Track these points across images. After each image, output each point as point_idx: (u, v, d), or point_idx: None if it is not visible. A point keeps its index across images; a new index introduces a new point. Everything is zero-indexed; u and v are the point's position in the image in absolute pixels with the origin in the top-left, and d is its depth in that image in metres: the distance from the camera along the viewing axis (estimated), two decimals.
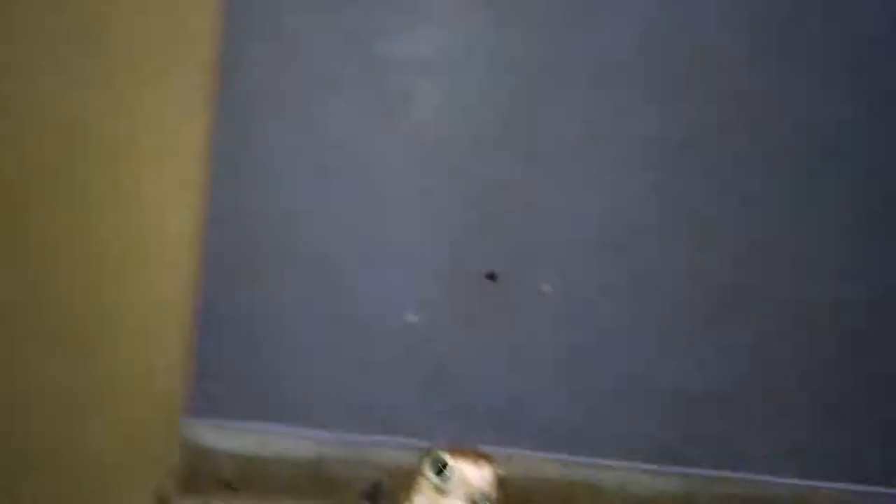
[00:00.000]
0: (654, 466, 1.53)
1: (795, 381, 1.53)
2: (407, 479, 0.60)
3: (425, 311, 1.43)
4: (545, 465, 1.50)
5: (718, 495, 1.54)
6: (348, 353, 1.39)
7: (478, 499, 0.59)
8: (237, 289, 1.39)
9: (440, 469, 0.62)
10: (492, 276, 1.43)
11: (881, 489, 1.57)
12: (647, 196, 1.46)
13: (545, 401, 1.47)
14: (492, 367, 1.47)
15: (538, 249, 1.43)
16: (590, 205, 1.45)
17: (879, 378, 1.54)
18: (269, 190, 1.40)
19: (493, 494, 0.60)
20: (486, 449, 1.49)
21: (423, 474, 0.61)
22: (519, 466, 1.50)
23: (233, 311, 1.40)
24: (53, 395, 1.06)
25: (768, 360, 1.52)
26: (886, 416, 1.56)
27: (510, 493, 0.61)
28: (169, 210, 1.13)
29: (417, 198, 1.43)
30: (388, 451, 1.40)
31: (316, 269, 1.41)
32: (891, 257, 1.51)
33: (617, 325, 1.47)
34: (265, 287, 1.40)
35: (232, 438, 1.44)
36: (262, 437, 1.44)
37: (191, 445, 1.41)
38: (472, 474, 0.60)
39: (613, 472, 1.52)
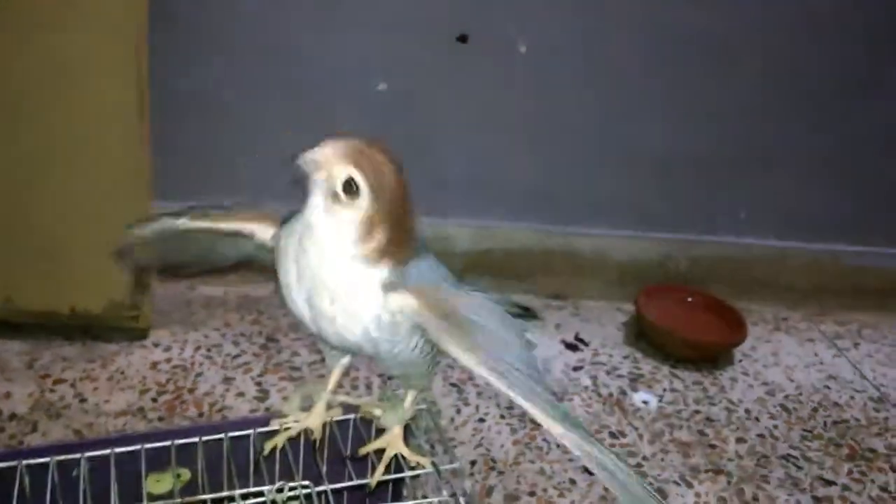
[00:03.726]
0: (632, 232, 1.53)
1: (775, 145, 1.50)
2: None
3: (395, 79, 1.36)
4: (523, 234, 1.50)
5: (697, 257, 1.55)
6: (317, 125, 1.33)
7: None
8: (192, 65, 1.31)
9: (353, 189, 0.54)
10: (463, 39, 1.35)
11: (854, 248, 1.60)
12: None
13: (522, 169, 1.44)
14: (465, 136, 1.42)
15: (513, 4, 1.34)
16: None
17: (854, 142, 1.51)
18: None
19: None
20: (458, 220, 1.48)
21: (331, 192, 0.53)
22: (497, 237, 1.50)
23: (189, 88, 1.33)
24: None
25: (748, 125, 1.47)
26: (860, 179, 1.55)
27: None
28: None
29: None
30: None
31: (278, 42, 1.32)
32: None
33: (595, 87, 1.40)
34: (223, 62, 1.33)
35: None
36: None
37: None
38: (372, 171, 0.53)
39: (591, 238, 1.52)
